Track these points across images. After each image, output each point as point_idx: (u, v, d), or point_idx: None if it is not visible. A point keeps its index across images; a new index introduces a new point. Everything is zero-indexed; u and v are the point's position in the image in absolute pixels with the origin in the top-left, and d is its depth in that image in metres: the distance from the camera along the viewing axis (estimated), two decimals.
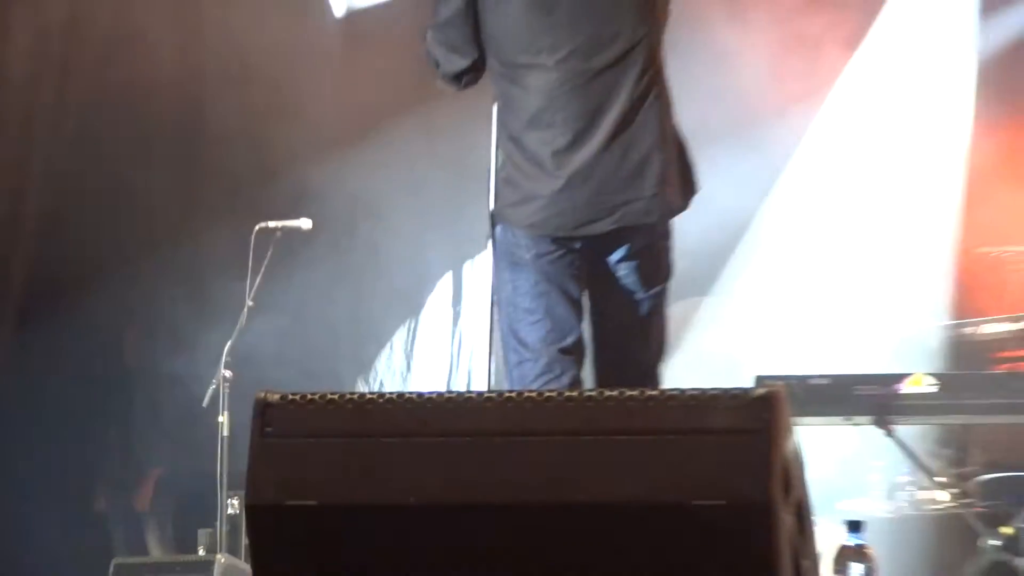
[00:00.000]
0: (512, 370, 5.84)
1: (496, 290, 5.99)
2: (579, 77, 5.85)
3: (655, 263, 6.00)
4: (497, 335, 6.01)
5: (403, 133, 10.17)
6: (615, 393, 4.05)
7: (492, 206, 6.01)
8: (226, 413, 8.85)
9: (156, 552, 10.23)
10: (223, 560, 8.50)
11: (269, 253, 9.14)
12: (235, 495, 8.66)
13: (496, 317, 6.01)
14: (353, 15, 11.24)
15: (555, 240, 5.86)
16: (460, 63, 6.00)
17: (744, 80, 11.12)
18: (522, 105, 5.90)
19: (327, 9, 11.16)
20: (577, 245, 5.88)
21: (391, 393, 4.06)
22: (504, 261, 5.93)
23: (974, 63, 12.96)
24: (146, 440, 10.49)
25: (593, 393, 4.12)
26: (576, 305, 5.88)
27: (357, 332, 10.50)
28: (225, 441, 8.83)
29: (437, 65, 6.06)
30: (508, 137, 5.95)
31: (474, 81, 6.08)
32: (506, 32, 5.89)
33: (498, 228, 5.94)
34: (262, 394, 4.02)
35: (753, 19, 11.22)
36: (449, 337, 10.50)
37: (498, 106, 6.02)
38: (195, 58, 10.14)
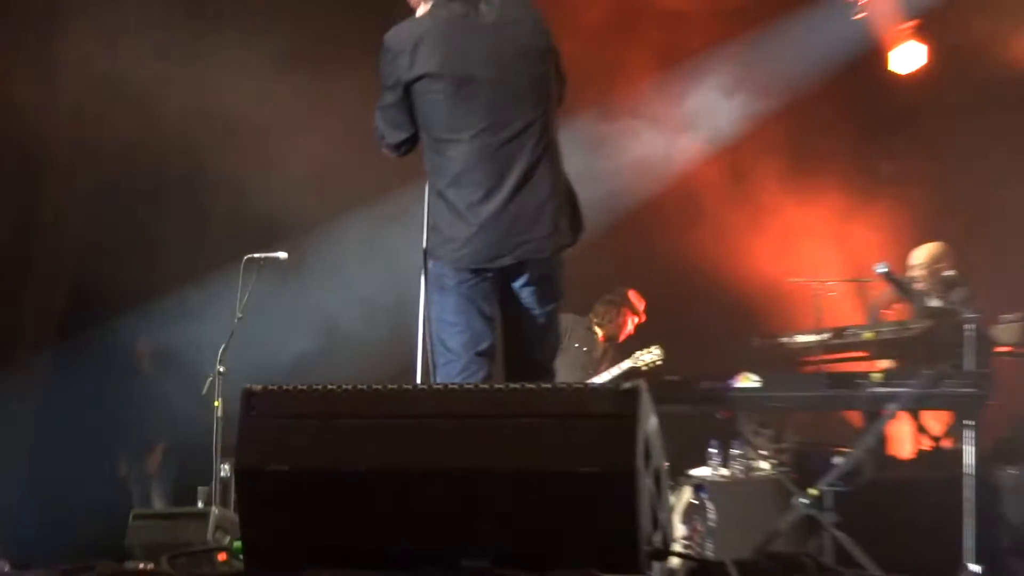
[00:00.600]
0: (440, 369, 5.86)
1: (428, 309, 6.00)
2: (489, 148, 5.88)
3: (549, 287, 6.05)
4: (428, 343, 6.02)
5: (367, 189, 10.13)
6: (518, 385, 4.08)
7: (424, 246, 6.04)
8: (220, 399, 8.84)
9: (158, 505, 10.16)
10: (217, 511, 8.45)
11: (254, 278, 9.13)
12: (227, 462, 8.67)
13: (428, 330, 6.02)
14: None
15: (472, 271, 5.90)
16: (401, 136, 6.02)
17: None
18: (446, 169, 5.91)
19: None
20: (489, 274, 5.92)
21: (349, 385, 4.06)
22: (434, 287, 5.96)
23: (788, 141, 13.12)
24: (154, 421, 10.42)
25: (502, 385, 4.14)
26: (489, 319, 5.91)
27: (323, 343, 10.43)
28: (219, 421, 8.81)
29: (383, 137, 6.07)
30: (436, 193, 5.97)
31: (411, 150, 6.09)
32: (434, 116, 5.90)
33: (430, 262, 5.98)
34: (248, 386, 4.03)
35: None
36: (395, 346, 10.50)
37: (428, 170, 6.03)
38: (194, 124, 10.04)
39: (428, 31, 5.92)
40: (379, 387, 4.02)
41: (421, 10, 6.04)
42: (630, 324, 11.18)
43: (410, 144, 6.06)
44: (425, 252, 6.03)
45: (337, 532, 3.89)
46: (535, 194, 5.94)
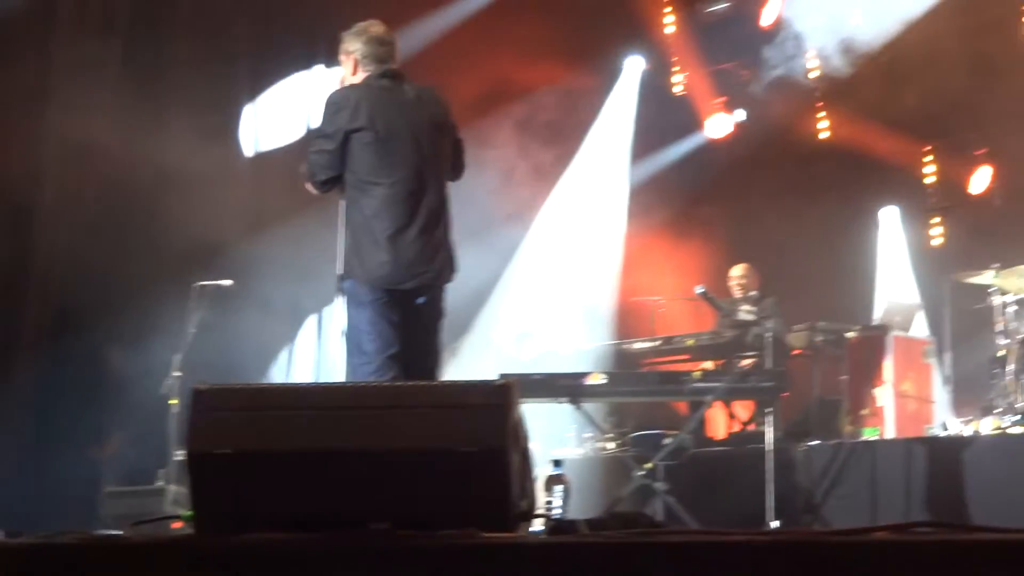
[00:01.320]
0: (357, 370, 5.83)
1: (347, 321, 5.98)
2: (403, 194, 5.92)
3: (437, 309, 6.08)
4: (346, 349, 5.99)
5: (291, 228, 10.06)
6: (413, 383, 4.08)
7: (340, 270, 6.01)
8: (176, 398, 8.71)
9: (114, 485, 9.97)
10: (173, 488, 8.36)
11: (204, 300, 9.05)
12: (180, 448, 8.55)
13: (346, 338, 5.99)
14: (260, 155, 11.12)
15: (384, 290, 5.90)
16: (330, 174, 5.96)
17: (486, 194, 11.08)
18: (368, 206, 5.91)
19: (239, 150, 11.03)
20: (396, 294, 5.93)
21: (279, 383, 4.04)
22: (353, 302, 5.94)
23: (627, 189, 13.24)
24: (118, 415, 10.25)
25: (400, 383, 4.14)
26: (396, 329, 5.90)
27: (258, 351, 10.33)
28: (175, 416, 8.67)
29: (314, 175, 6.00)
30: (357, 224, 5.95)
31: (333, 188, 6.06)
32: (364, 162, 5.90)
33: (348, 283, 5.96)
34: (197, 384, 3.99)
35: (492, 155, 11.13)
36: (314, 352, 10.45)
37: (349, 205, 6.00)
38: (150, 173, 9.90)
39: (366, 95, 5.97)
40: (303, 384, 4.00)
41: (358, 78, 6.07)
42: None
43: (334, 183, 6.02)
44: (341, 276, 6.01)
45: (270, 502, 3.84)
46: (434, 236, 6.00)
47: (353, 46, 6.11)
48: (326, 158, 5.95)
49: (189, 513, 3.89)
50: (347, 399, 4.03)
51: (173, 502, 8.16)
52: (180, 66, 10.41)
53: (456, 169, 6.32)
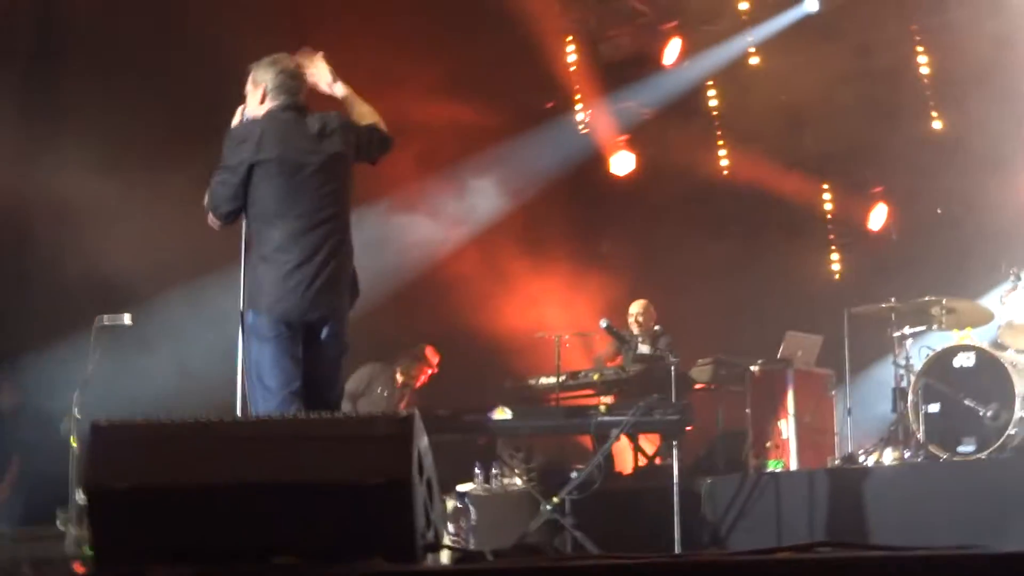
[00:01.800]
0: (259, 405, 5.76)
1: (248, 355, 5.90)
2: (306, 227, 5.88)
3: (341, 341, 6.03)
4: (248, 384, 5.91)
5: (195, 263, 9.95)
6: (317, 414, 4.05)
7: (244, 304, 5.94)
8: (74, 436, 8.53)
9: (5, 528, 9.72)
10: (72, 530, 8.19)
11: (104, 338, 8.90)
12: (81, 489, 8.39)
13: (248, 373, 5.91)
14: None
15: (286, 323, 5.85)
16: (233, 207, 5.91)
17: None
18: (271, 239, 5.87)
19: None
20: (299, 327, 5.88)
21: (177, 418, 3.98)
22: (255, 336, 5.86)
23: (532, 226, 13.28)
24: (13, 457, 10.04)
25: (304, 415, 4.11)
26: (299, 363, 5.84)
27: (161, 388, 10.16)
28: (75, 455, 8.49)
29: (217, 207, 5.95)
30: (260, 257, 5.90)
31: (234, 221, 6.00)
32: (268, 195, 5.86)
33: (250, 315, 5.89)
34: (96, 420, 3.93)
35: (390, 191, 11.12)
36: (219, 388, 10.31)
37: (252, 238, 5.94)
38: (50, 208, 9.77)
39: (270, 127, 5.93)
40: (202, 418, 3.95)
41: (261, 110, 6.01)
42: (424, 376, 11.07)
43: (236, 216, 5.96)
44: (244, 308, 5.93)
45: (171, 536, 3.79)
46: (336, 269, 5.95)
47: (264, 76, 6.06)
48: (229, 190, 5.90)
49: (89, 551, 3.82)
50: (249, 432, 4.01)
51: (74, 544, 7.98)
52: (81, 99, 10.27)
53: (377, 145, 6.26)
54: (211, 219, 6.02)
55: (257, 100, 6.06)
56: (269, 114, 6.00)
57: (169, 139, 9.93)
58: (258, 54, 6.24)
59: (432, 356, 11.05)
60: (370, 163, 6.31)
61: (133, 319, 8.74)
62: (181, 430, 3.99)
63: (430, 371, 11.07)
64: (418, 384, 10.97)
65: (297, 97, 6.09)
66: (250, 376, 5.82)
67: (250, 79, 6.11)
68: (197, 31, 10.49)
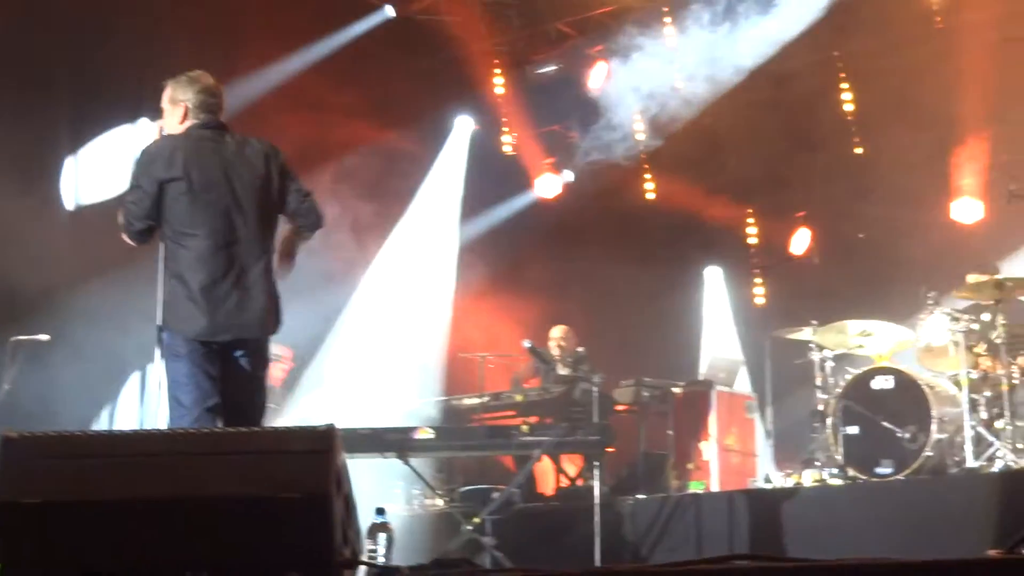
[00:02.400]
0: (174, 423, 5.69)
1: (165, 373, 5.83)
2: (219, 246, 5.81)
3: (259, 360, 5.97)
4: (165, 401, 5.84)
5: (112, 281, 9.83)
6: (233, 429, 4.01)
7: (160, 321, 5.86)
8: None
9: None
10: None
11: (20, 355, 8.79)
12: None
13: (165, 391, 5.83)
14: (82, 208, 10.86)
15: (201, 342, 5.78)
16: (147, 224, 5.83)
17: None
18: (183, 257, 5.79)
19: (60, 204, 10.75)
20: (214, 346, 5.80)
21: (89, 431, 3.93)
22: (170, 354, 5.79)
23: (456, 247, 13.31)
24: None
25: (219, 429, 4.07)
26: (214, 381, 5.76)
27: (78, 407, 10.02)
28: None
29: (130, 225, 5.87)
30: (172, 276, 5.82)
31: (149, 239, 5.92)
32: (178, 212, 5.78)
33: (165, 334, 5.82)
34: (6, 432, 3.85)
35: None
36: (137, 406, 10.17)
37: (166, 256, 5.86)
38: None
39: (182, 145, 5.88)
40: (116, 431, 3.90)
41: (182, 128, 5.96)
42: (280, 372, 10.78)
43: (150, 233, 5.89)
44: (159, 328, 5.86)
45: (84, 552, 3.73)
46: (252, 288, 5.88)
47: (184, 95, 6.00)
48: (141, 209, 5.83)
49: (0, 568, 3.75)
50: (163, 446, 3.94)
51: None
52: None
53: (306, 217, 6.16)
54: (125, 237, 5.95)
55: (177, 119, 6.00)
56: (184, 133, 5.95)
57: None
58: (175, 73, 6.19)
59: (286, 351, 10.74)
60: (297, 229, 6.16)
61: (51, 333, 8.65)
62: (94, 444, 3.94)
63: (286, 369, 10.80)
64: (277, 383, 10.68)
65: (217, 115, 6.04)
66: (168, 395, 5.75)
67: (167, 96, 6.04)
68: (119, 55, 10.41)
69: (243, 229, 5.89)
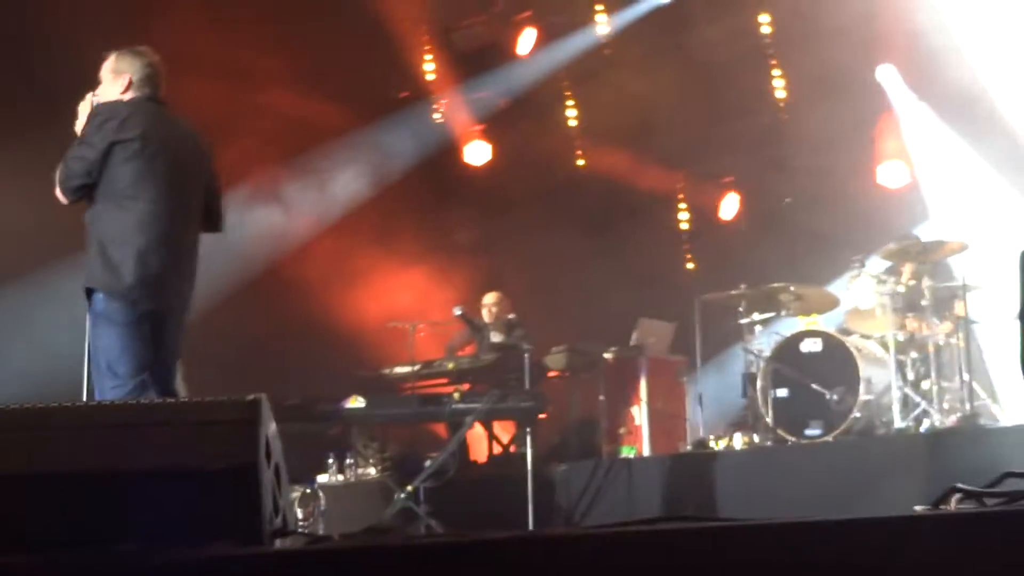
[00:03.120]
0: (108, 393, 5.59)
1: (95, 341, 5.73)
2: (162, 214, 5.77)
3: (182, 330, 5.95)
4: (94, 371, 5.75)
5: (34, 244, 9.70)
6: (160, 400, 3.96)
7: (92, 284, 5.75)
8: None
9: None
10: None
11: None
12: None
13: (94, 359, 5.74)
14: None
15: (141, 311, 5.69)
16: (85, 182, 5.73)
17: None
18: (126, 220, 5.72)
19: None
20: (151, 314, 5.74)
21: (14, 404, 3.86)
22: (104, 321, 5.69)
23: (386, 215, 13.22)
24: None
25: (146, 400, 4.02)
26: (151, 350, 5.72)
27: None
28: None
29: (69, 179, 5.75)
30: (110, 240, 5.71)
31: (82, 198, 5.80)
32: (124, 175, 5.71)
33: (101, 300, 5.70)
34: None
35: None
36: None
37: (103, 218, 5.74)
38: None
39: (137, 110, 5.85)
40: (41, 404, 3.84)
41: (127, 96, 5.92)
42: None
43: (85, 192, 5.78)
44: (91, 290, 5.76)
45: (6, 525, 3.67)
46: (186, 260, 5.91)
47: (127, 67, 5.96)
48: (84, 166, 5.74)
49: None
50: (89, 418, 3.89)
51: None
52: None
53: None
54: (59, 193, 5.84)
55: (119, 89, 5.95)
56: (134, 100, 5.91)
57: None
58: (96, 40, 6.11)
59: None
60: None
61: None
62: (19, 417, 3.87)
63: None
64: None
65: (160, 91, 6.03)
66: (98, 363, 5.66)
67: (109, 67, 5.99)
68: (28, 16, 10.19)
69: (182, 203, 5.89)
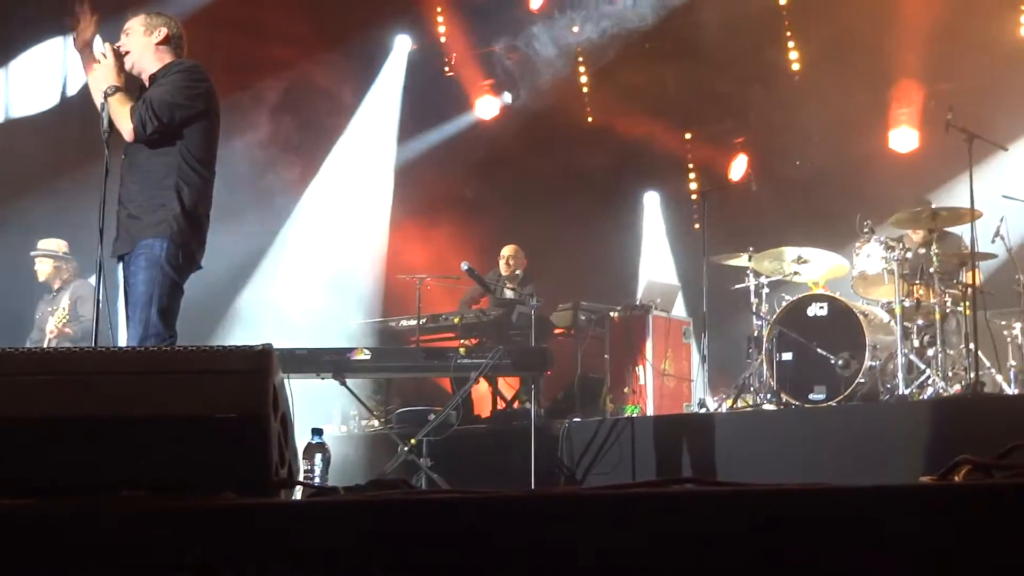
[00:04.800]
0: (151, 340, 5.60)
1: (149, 286, 5.69)
2: (212, 181, 6.02)
3: None
4: (138, 316, 5.76)
5: (49, 194, 9.70)
6: (171, 348, 3.96)
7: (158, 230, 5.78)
8: None
9: None
10: None
11: None
12: None
13: (139, 304, 5.74)
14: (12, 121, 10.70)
15: (192, 267, 5.89)
16: (167, 130, 5.80)
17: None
18: (194, 185, 5.87)
19: None
20: (190, 271, 5.91)
21: (16, 348, 3.86)
22: (165, 268, 5.73)
23: (393, 168, 13.25)
24: None
25: (156, 347, 4.02)
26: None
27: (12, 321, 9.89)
28: None
29: (154, 120, 5.76)
30: (191, 198, 5.85)
31: (146, 142, 5.83)
32: (198, 143, 5.90)
33: (165, 245, 5.74)
34: None
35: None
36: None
37: (183, 176, 5.84)
38: None
39: (211, 84, 6.03)
40: (50, 349, 3.83)
41: (149, 54, 6.01)
42: None
43: (153, 138, 5.82)
44: (154, 237, 5.78)
45: (14, 469, 3.67)
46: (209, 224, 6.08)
47: (160, 20, 6.06)
48: (179, 116, 5.83)
49: None
50: (98, 364, 3.89)
51: None
52: None
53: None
54: (135, 130, 5.81)
55: (154, 40, 6.00)
56: (203, 70, 6.03)
57: None
58: None
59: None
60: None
61: None
62: (22, 361, 3.87)
63: None
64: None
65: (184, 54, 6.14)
66: (144, 308, 5.67)
67: (140, 20, 6.04)
68: None
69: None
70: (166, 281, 5.73)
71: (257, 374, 3.79)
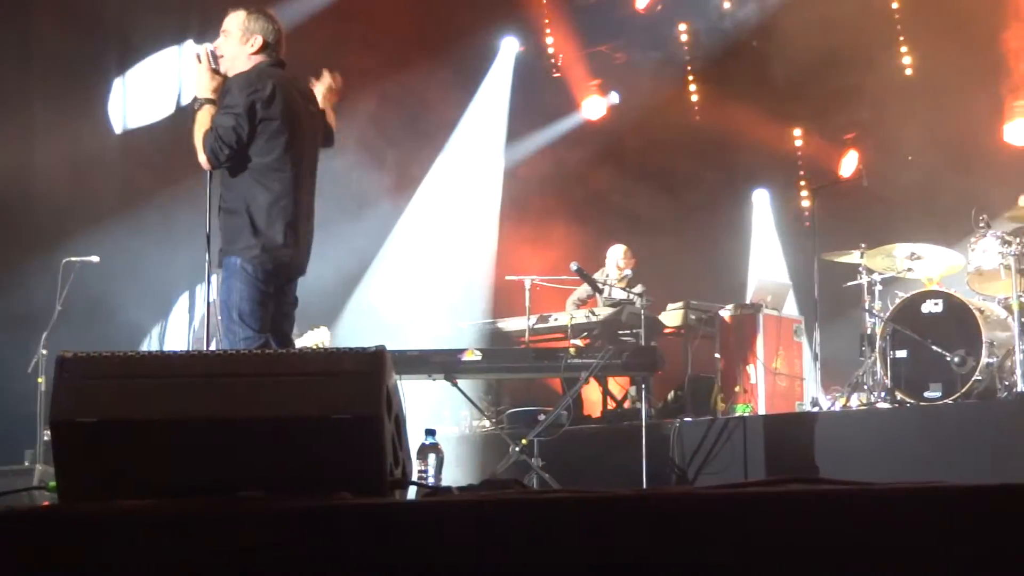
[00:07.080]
0: (239, 344, 5.67)
1: (230, 295, 5.75)
2: (297, 182, 5.91)
3: (295, 297, 6.11)
4: (227, 322, 5.83)
5: (160, 205, 9.90)
6: (287, 351, 4.02)
7: (224, 245, 5.83)
8: (43, 376, 8.51)
9: None
10: (40, 467, 8.19)
11: (71, 278, 8.89)
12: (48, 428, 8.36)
13: (229, 315, 5.81)
14: (129, 132, 10.91)
15: (276, 276, 5.85)
16: (235, 152, 5.77)
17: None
18: (271, 191, 5.84)
19: (109, 127, 10.79)
20: (277, 274, 5.86)
21: (144, 351, 3.95)
22: (240, 277, 5.74)
23: (502, 170, 13.29)
24: None
25: (274, 351, 4.08)
26: (273, 306, 5.86)
27: (128, 328, 10.10)
28: (43, 395, 8.47)
29: (221, 149, 5.74)
30: (259, 208, 5.81)
31: (227, 166, 5.84)
32: (267, 148, 5.81)
33: (237, 260, 5.77)
34: (62, 352, 3.88)
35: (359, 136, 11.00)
36: (186, 328, 10.27)
37: (249, 186, 5.82)
38: (16, 149, 9.68)
39: (277, 83, 5.87)
40: (171, 352, 3.92)
41: (244, 58, 5.93)
42: None
43: (232, 161, 5.83)
44: (226, 250, 5.84)
45: (135, 470, 3.76)
46: (309, 223, 6.05)
47: (262, 29, 5.96)
48: (236, 137, 5.76)
49: (53, 484, 3.79)
50: (218, 367, 3.96)
51: (40, 481, 7.97)
52: (45, 42, 10.16)
53: (329, 137, 6.35)
54: (206, 159, 5.82)
55: (249, 49, 5.95)
56: (267, 69, 5.94)
57: None
58: None
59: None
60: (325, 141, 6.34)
61: (100, 255, 8.70)
62: (150, 364, 3.95)
63: None
64: None
65: (281, 53, 6.06)
66: (230, 316, 5.75)
67: (239, 24, 5.97)
68: None
69: (309, 168, 6.04)
70: (247, 289, 5.75)
71: (371, 376, 3.83)
